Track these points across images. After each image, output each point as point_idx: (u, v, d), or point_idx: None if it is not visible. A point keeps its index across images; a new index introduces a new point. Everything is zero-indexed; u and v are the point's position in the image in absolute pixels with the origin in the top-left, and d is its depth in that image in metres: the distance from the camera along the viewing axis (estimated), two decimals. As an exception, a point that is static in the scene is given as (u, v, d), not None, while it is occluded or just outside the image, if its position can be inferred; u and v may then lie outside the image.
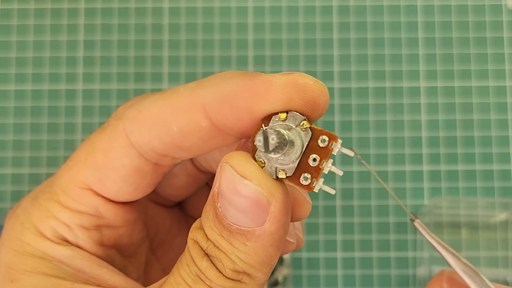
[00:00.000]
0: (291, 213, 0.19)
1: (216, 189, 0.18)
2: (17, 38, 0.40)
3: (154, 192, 0.24)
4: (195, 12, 0.41)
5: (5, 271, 0.21)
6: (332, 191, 0.18)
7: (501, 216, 0.39)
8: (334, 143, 0.18)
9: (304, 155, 0.18)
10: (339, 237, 0.38)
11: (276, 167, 0.18)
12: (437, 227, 0.39)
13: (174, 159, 0.22)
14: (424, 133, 0.39)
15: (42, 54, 0.40)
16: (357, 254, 0.38)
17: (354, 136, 0.39)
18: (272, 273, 0.38)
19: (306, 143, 0.17)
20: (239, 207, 0.18)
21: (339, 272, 0.38)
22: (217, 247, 0.18)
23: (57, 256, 0.21)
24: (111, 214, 0.22)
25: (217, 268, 0.18)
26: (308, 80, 0.18)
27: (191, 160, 0.24)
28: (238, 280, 0.18)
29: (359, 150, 0.39)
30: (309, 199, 0.22)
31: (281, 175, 0.18)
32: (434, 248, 0.19)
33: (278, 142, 0.16)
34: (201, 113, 0.19)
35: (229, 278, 0.18)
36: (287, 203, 0.18)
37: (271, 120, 0.18)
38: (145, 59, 0.40)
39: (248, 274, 0.18)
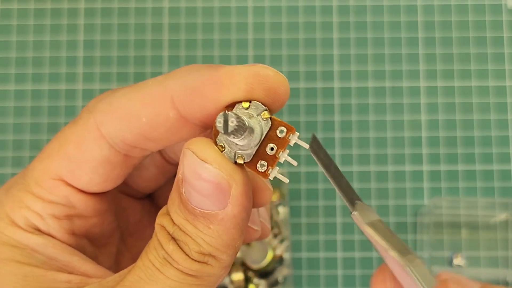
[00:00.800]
0: (252, 199, 0.20)
1: (180, 175, 0.19)
2: (17, 38, 0.40)
3: (124, 184, 0.25)
4: (195, 12, 0.40)
5: None
6: (286, 180, 0.19)
7: (501, 216, 0.39)
8: (291, 134, 0.18)
9: (263, 143, 0.19)
10: (339, 237, 0.38)
11: (236, 152, 0.19)
12: (437, 227, 0.39)
13: (143, 151, 0.22)
14: (424, 133, 0.39)
15: (42, 54, 0.40)
16: (357, 254, 0.38)
17: (354, 136, 0.39)
18: (272, 273, 0.38)
19: (265, 132, 0.18)
20: (201, 191, 0.18)
21: (339, 272, 0.38)
22: (183, 231, 0.19)
23: (30, 244, 0.22)
24: (82, 204, 0.23)
25: (184, 251, 0.19)
26: (269, 71, 0.19)
27: (160, 152, 0.25)
28: (204, 262, 0.19)
29: (359, 150, 0.39)
30: (270, 186, 0.22)
31: (239, 160, 0.18)
32: (369, 240, 0.20)
33: (237, 125, 0.17)
34: (168, 104, 0.20)
35: (195, 260, 0.19)
36: (248, 186, 0.19)
37: (234, 108, 0.19)
38: (145, 59, 0.40)
39: (213, 256, 0.19)
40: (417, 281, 0.19)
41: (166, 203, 0.21)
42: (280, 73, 0.19)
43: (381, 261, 0.38)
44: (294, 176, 0.39)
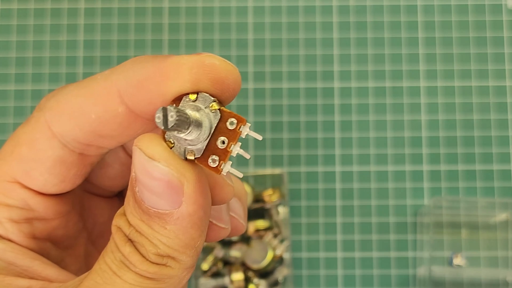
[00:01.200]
0: (212, 196, 0.20)
1: (134, 174, 0.18)
2: (17, 38, 0.40)
3: (89, 182, 0.25)
4: (195, 12, 0.40)
5: None
6: (240, 174, 0.18)
7: (501, 216, 0.39)
8: (242, 126, 0.17)
9: (213, 137, 0.17)
10: (339, 237, 0.38)
11: (185, 148, 0.18)
12: (437, 227, 0.39)
13: (99, 148, 0.22)
14: (424, 133, 0.39)
15: (42, 54, 0.40)
16: (357, 254, 0.38)
17: (354, 136, 0.39)
18: (272, 273, 0.38)
19: (215, 125, 0.17)
20: (153, 189, 0.18)
21: (339, 272, 0.38)
22: (139, 232, 0.18)
23: None
24: (41, 206, 0.22)
25: (141, 253, 0.18)
26: (215, 60, 0.18)
27: (124, 149, 0.25)
28: (163, 264, 0.18)
29: (359, 150, 0.39)
30: (229, 182, 0.21)
31: (190, 156, 0.18)
32: None
33: (177, 120, 0.16)
34: (116, 99, 0.20)
35: (153, 263, 0.18)
36: (202, 183, 0.18)
37: (182, 101, 0.18)
38: None
39: (172, 258, 0.18)
40: None
41: None
42: (228, 61, 0.18)
43: (381, 261, 0.38)
44: (294, 176, 0.39)
